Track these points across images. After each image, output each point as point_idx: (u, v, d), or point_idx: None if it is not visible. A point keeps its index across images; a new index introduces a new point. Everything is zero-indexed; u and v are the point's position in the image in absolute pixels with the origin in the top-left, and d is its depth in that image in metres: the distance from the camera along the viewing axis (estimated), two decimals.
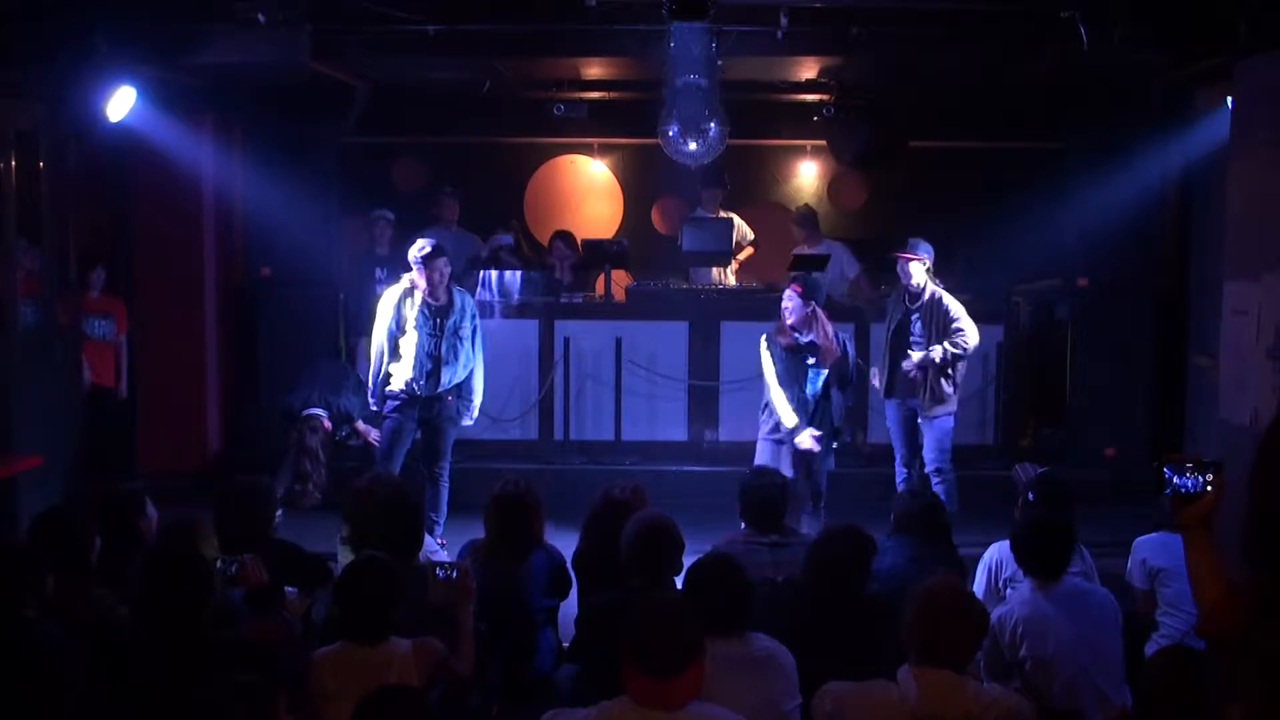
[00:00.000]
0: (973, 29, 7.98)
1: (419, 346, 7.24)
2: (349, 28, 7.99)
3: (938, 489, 7.11)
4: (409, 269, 7.32)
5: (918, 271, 7.32)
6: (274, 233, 9.52)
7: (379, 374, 7.33)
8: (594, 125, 10.70)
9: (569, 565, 5.11)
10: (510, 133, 11.09)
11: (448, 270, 7.31)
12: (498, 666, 4.73)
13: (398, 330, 7.26)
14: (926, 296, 7.33)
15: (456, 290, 7.45)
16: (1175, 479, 2.79)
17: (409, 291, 7.28)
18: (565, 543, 5.33)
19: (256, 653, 3.81)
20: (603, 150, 11.51)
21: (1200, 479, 2.78)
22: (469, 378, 7.47)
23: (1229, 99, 7.35)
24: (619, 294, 9.69)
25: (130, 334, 8.96)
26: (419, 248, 7.27)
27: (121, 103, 7.59)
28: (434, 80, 9.51)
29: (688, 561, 4.21)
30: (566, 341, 9.21)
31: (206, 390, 9.71)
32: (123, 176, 9.09)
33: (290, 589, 4.80)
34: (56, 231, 7.74)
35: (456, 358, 7.32)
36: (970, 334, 7.25)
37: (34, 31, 7.04)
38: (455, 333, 7.30)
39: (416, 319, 7.23)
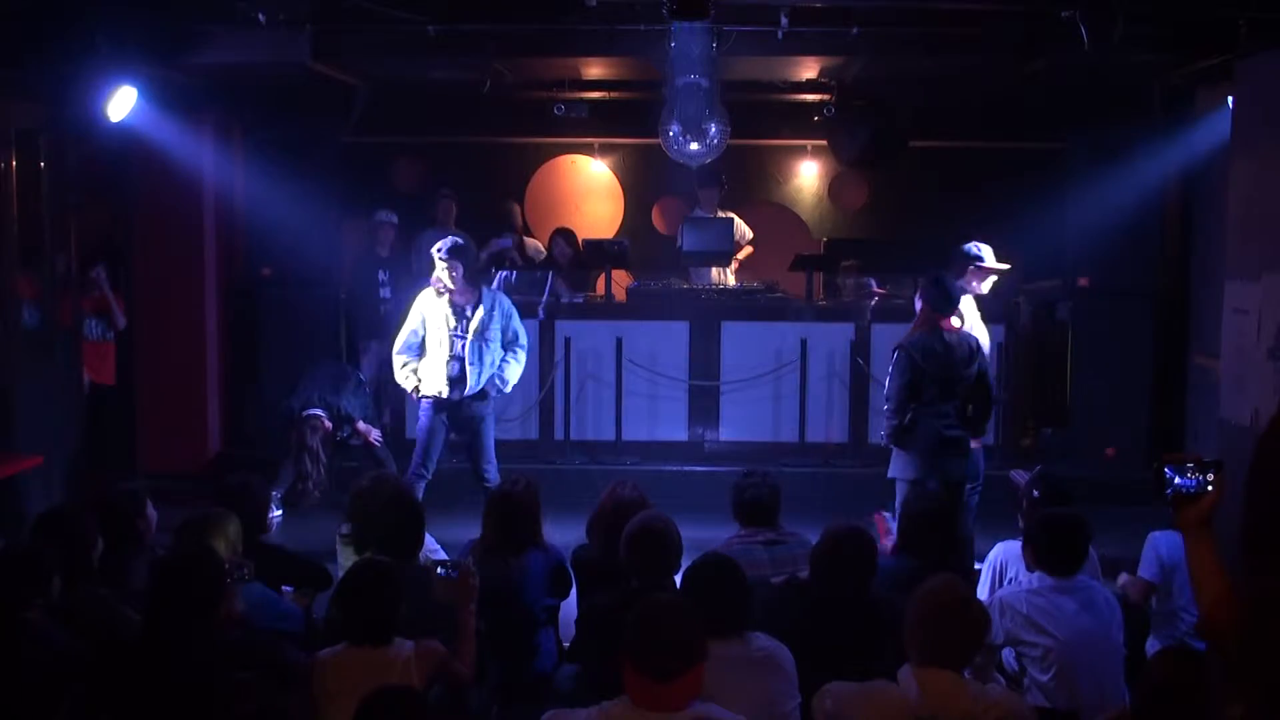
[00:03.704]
0: (973, 29, 7.98)
1: (445, 347, 7.19)
2: (349, 28, 8.00)
3: None
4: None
5: None
6: (274, 233, 9.51)
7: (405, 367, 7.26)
8: (594, 125, 10.71)
9: (569, 565, 5.11)
10: (510, 133, 11.09)
11: (460, 269, 7.12)
12: (498, 666, 4.73)
13: (423, 329, 7.21)
14: None
15: (487, 291, 7.34)
16: (1175, 479, 2.78)
17: (438, 291, 7.22)
18: (565, 543, 5.32)
19: (265, 653, 3.82)
20: (603, 150, 11.51)
21: (1201, 479, 2.77)
22: (501, 368, 7.29)
23: (1229, 99, 7.35)
24: (619, 294, 9.69)
25: (126, 330, 8.91)
26: (438, 245, 7.21)
27: (122, 103, 7.58)
28: (434, 80, 9.51)
29: (687, 562, 4.21)
30: (567, 341, 9.19)
31: (207, 390, 9.70)
32: (123, 176, 9.07)
33: (286, 587, 4.81)
34: (56, 231, 7.74)
35: (481, 360, 7.18)
36: None
37: (34, 31, 7.03)
38: (482, 335, 7.17)
39: (444, 319, 7.17)
